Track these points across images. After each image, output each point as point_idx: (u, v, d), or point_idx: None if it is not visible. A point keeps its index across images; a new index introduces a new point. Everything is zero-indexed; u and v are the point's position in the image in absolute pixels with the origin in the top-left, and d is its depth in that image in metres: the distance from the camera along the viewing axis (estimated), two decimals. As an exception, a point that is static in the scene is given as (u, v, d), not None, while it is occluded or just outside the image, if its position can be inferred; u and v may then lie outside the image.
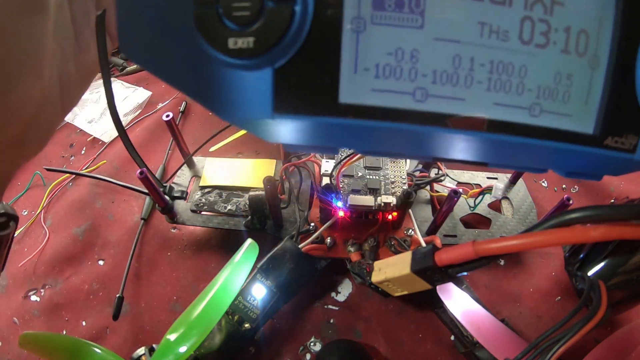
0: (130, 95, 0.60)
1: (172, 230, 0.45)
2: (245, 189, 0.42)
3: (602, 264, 0.33)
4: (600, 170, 0.18)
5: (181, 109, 0.58)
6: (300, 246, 0.36)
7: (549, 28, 0.15)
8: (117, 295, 0.39)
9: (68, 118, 0.58)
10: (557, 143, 0.17)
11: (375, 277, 0.27)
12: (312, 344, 0.37)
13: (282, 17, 0.14)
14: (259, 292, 0.34)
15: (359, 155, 0.34)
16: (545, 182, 0.48)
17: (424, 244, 0.35)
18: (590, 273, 0.33)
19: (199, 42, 0.15)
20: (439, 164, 0.38)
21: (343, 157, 0.37)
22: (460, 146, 0.17)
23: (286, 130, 0.17)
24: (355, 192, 0.35)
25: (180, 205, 0.42)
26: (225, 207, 0.41)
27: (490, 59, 0.16)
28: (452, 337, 0.36)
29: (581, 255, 0.34)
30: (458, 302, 0.33)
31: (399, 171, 0.37)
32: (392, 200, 0.33)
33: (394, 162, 0.38)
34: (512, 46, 0.15)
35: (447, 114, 0.16)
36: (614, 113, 0.16)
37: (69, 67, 0.18)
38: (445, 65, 0.16)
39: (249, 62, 0.15)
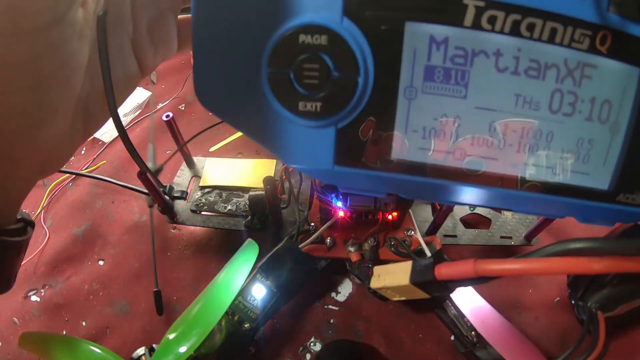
0: (130, 96, 0.60)
1: (172, 230, 0.45)
2: (245, 189, 0.42)
3: (604, 292, 0.33)
4: (612, 221, 0.20)
5: (181, 107, 0.58)
6: (300, 246, 0.36)
7: (576, 99, 0.17)
8: (154, 290, 0.38)
9: (68, 118, 0.58)
10: (571, 199, 0.19)
11: (374, 284, 0.27)
12: (312, 344, 0.37)
13: (347, 87, 0.17)
14: (259, 292, 0.34)
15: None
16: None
17: (424, 244, 0.35)
18: (592, 301, 0.33)
19: (272, 102, 0.17)
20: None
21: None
22: (490, 198, 0.20)
23: (344, 178, 0.19)
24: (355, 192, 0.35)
25: (180, 205, 0.42)
26: (225, 207, 0.41)
27: (522, 125, 0.18)
28: (452, 337, 0.36)
29: (584, 287, 0.34)
30: (463, 295, 0.33)
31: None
32: (392, 200, 0.33)
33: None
34: (541, 115, 0.17)
35: (481, 172, 0.18)
36: (628, 173, 0.18)
37: (95, 102, 0.19)
38: (482, 130, 0.18)
39: (315, 123, 0.18)
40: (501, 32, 0.16)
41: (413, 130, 0.18)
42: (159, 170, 0.41)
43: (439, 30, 0.16)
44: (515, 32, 0.16)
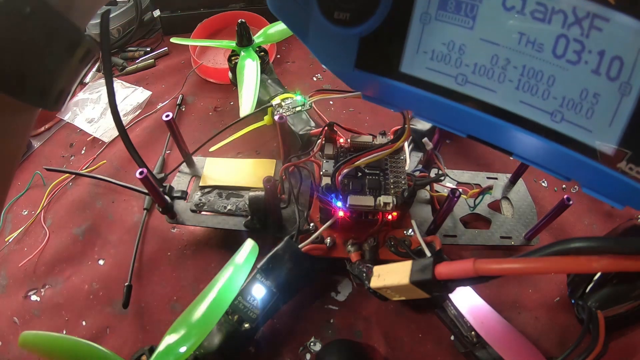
0: (130, 95, 0.60)
1: (172, 230, 0.45)
2: (245, 189, 0.42)
3: (604, 291, 0.33)
4: (616, 197, 0.19)
5: (179, 104, 0.58)
6: (300, 246, 0.36)
7: (583, 48, 0.17)
8: (126, 284, 0.39)
9: (68, 118, 0.58)
10: (572, 152, 0.18)
11: (374, 283, 0.27)
12: (312, 344, 0.37)
13: (371, 3, 0.20)
14: (259, 292, 0.34)
15: (360, 160, 0.35)
16: (545, 182, 0.48)
17: (423, 244, 0.35)
18: (592, 300, 0.33)
19: (314, 9, 0.21)
20: (438, 164, 0.38)
21: (343, 159, 0.37)
22: (486, 129, 0.21)
23: (361, 81, 0.23)
24: (355, 192, 0.35)
25: (180, 205, 0.42)
26: (225, 207, 0.41)
27: (523, 63, 0.18)
28: (452, 337, 0.36)
29: (584, 287, 0.34)
30: (462, 295, 0.34)
31: (399, 171, 0.37)
32: (391, 200, 0.33)
33: (394, 162, 0.38)
34: (544, 57, 0.18)
35: (479, 99, 0.20)
36: (637, 142, 0.17)
37: None
38: (484, 60, 0.19)
39: (344, 30, 0.21)
40: None
41: (423, 51, 0.20)
42: (163, 179, 0.41)
43: None
44: None
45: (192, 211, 0.41)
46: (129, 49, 0.69)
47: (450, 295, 0.34)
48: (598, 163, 0.18)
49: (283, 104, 0.39)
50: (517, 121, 0.19)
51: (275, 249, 0.35)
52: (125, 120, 0.57)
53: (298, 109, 0.39)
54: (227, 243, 0.43)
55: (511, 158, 0.23)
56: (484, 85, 0.20)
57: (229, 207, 0.41)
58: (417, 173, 0.40)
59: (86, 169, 0.52)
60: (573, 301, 0.36)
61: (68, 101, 0.17)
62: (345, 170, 0.35)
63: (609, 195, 0.19)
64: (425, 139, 0.38)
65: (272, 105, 0.39)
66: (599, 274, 0.35)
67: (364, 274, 0.34)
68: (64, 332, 0.39)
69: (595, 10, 0.16)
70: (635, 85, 0.16)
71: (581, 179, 0.20)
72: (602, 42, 0.16)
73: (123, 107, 0.58)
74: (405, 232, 0.37)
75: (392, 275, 0.25)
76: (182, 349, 0.27)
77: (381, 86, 0.22)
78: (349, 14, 0.21)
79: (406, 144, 0.40)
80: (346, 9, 0.21)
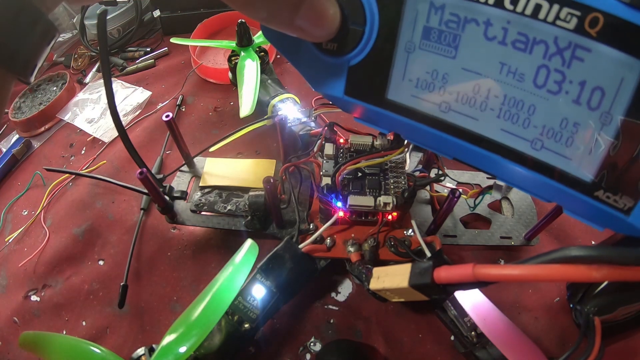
0: (130, 96, 0.60)
1: (172, 230, 0.45)
2: (245, 189, 0.42)
3: (602, 297, 0.33)
4: (595, 221, 0.19)
5: (179, 104, 0.58)
6: (300, 246, 0.36)
7: (564, 78, 0.17)
8: (122, 284, 0.39)
9: (68, 118, 0.58)
10: (551, 180, 0.19)
11: (374, 285, 0.27)
12: (312, 344, 0.37)
13: (356, 34, 0.21)
14: (259, 292, 0.34)
15: (360, 162, 0.35)
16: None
17: (423, 245, 0.35)
18: (590, 305, 0.33)
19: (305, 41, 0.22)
20: (439, 164, 0.38)
21: (343, 159, 0.37)
22: (470, 155, 0.21)
23: (351, 106, 0.24)
24: (355, 192, 0.35)
25: (180, 205, 0.42)
26: (225, 207, 0.41)
27: (504, 92, 0.19)
28: (452, 337, 0.36)
29: (583, 291, 0.34)
30: (465, 292, 0.33)
31: (399, 171, 0.37)
32: (391, 200, 0.33)
33: (393, 162, 0.38)
34: (525, 87, 0.18)
35: (461, 127, 0.21)
36: (616, 170, 0.17)
37: None
38: (467, 89, 0.20)
39: (333, 59, 0.22)
40: (486, 3, 0.17)
41: (409, 79, 0.21)
42: (162, 179, 0.41)
43: None
44: (499, 4, 0.17)
45: (192, 211, 0.41)
46: (129, 49, 0.69)
47: (453, 294, 0.34)
48: (576, 192, 0.18)
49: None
50: (497, 149, 0.20)
51: (275, 249, 0.35)
52: (125, 120, 0.57)
53: (304, 120, 0.42)
54: (227, 243, 0.43)
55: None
56: (466, 114, 0.20)
57: (229, 208, 0.41)
58: (417, 173, 0.40)
59: (86, 169, 0.52)
60: (572, 305, 0.36)
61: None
62: (345, 171, 0.35)
63: (589, 219, 0.19)
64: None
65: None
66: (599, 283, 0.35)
67: (364, 275, 0.34)
68: (64, 332, 0.39)
69: (577, 41, 0.16)
70: (616, 115, 0.16)
71: (562, 203, 0.20)
72: (583, 73, 0.16)
73: (123, 108, 0.58)
74: (405, 232, 0.37)
75: (391, 277, 0.25)
76: (182, 349, 0.27)
77: (370, 112, 0.23)
78: (336, 44, 0.21)
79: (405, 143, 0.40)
80: (334, 40, 0.21)
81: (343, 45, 0.21)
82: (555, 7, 0.16)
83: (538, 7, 0.16)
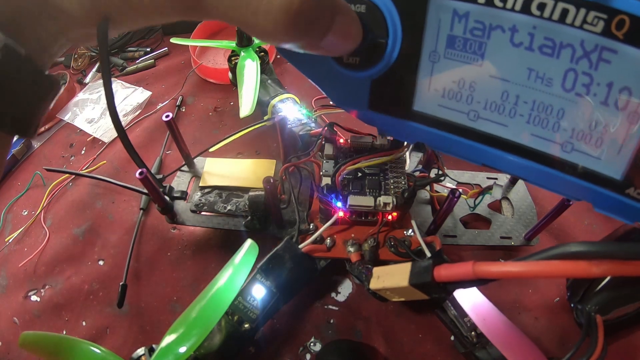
0: (130, 96, 0.60)
1: (172, 231, 0.45)
2: (245, 189, 0.42)
3: (603, 295, 0.33)
4: (626, 216, 0.19)
5: (179, 104, 0.58)
6: (300, 246, 0.36)
7: (592, 81, 0.17)
8: (121, 284, 0.39)
9: (68, 118, 0.58)
10: (582, 181, 0.19)
11: (374, 285, 0.27)
12: (312, 344, 0.37)
13: (379, 47, 0.20)
14: (259, 293, 0.33)
15: (360, 163, 0.35)
16: (545, 182, 0.48)
17: (423, 245, 0.35)
18: (591, 304, 0.33)
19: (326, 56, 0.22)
20: (439, 164, 0.38)
21: (343, 159, 0.37)
22: (500, 161, 0.21)
23: (376, 120, 0.24)
24: (355, 192, 0.35)
25: (180, 206, 0.42)
26: (225, 208, 0.41)
27: (533, 98, 0.19)
28: (452, 337, 0.36)
29: (584, 290, 0.34)
30: (465, 292, 0.33)
31: (399, 171, 0.37)
32: (391, 200, 0.33)
33: (394, 162, 0.38)
34: (554, 91, 0.18)
35: (491, 134, 0.21)
36: None
37: None
38: (495, 97, 0.20)
39: (355, 74, 0.22)
40: (512, 9, 0.17)
41: (435, 89, 0.21)
42: (162, 180, 0.41)
43: (461, 6, 0.18)
44: (526, 10, 0.17)
45: (192, 211, 0.41)
46: (129, 49, 0.69)
47: (453, 293, 0.34)
48: (607, 190, 0.19)
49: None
50: (528, 154, 0.20)
51: (275, 249, 0.35)
52: (125, 120, 0.57)
53: (304, 121, 0.41)
54: (227, 243, 0.43)
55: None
56: (495, 121, 0.20)
57: (229, 208, 0.41)
58: (417, 173, 0.40)
59: (86, 169, 0.52)
60: (572, 305, 0.36)
61: (39, 127, 0.20)
62: (345, 171, 0.35)
63: (620, 214, 0.19)
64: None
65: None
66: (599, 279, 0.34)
67: (364, 275, 0.34)
68: (64, 332, 0.39)
69: (603, 43, 0.16)
70: None
71: (592, 202, 0.20)
72: (610, 74, 0.17)
73: (123, 108, 0.58)
74: (405, 232, 0.37)
75: (391, 276, 0.25)
76: (182, 349, 0.27)
77: (396, 125, 0.23)
78: (358, 58, 0.21)
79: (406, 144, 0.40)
80: (356, 54, 0.21)
81: (365, 58, 0.21)
82: (582, 11, 0.16)
83: (565, 12, 0.16)
